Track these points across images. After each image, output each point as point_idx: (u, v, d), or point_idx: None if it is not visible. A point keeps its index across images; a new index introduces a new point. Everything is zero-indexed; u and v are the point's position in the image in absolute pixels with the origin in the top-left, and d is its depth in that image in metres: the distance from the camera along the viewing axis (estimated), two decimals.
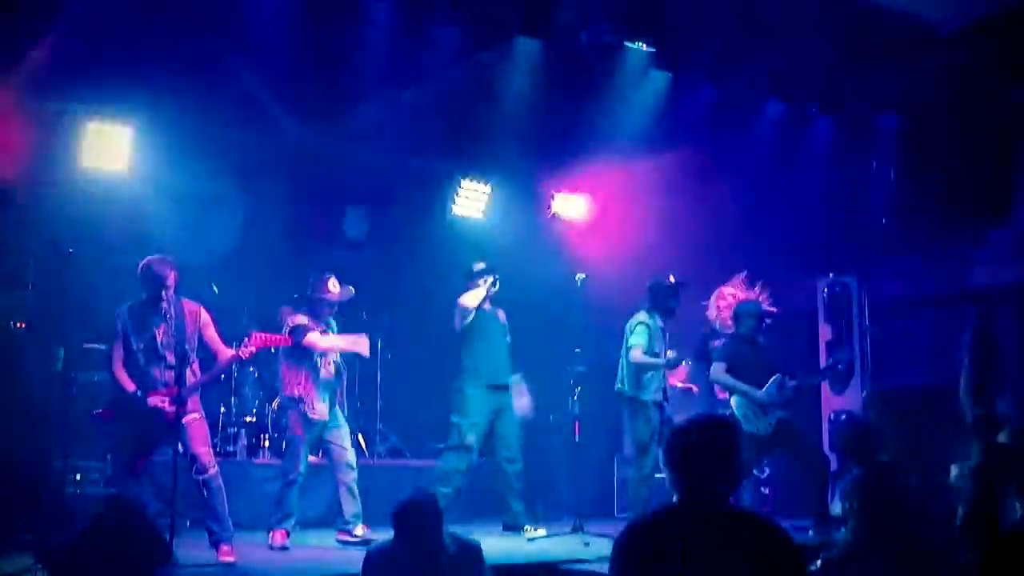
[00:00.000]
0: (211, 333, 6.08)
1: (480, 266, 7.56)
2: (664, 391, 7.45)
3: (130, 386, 5.82)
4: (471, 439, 7.31)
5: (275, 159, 9.36)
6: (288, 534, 6.66)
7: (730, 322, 7.73)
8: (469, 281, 7.54)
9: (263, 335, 6.34)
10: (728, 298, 7.90)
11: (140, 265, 5.91)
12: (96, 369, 7.60)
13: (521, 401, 7.53)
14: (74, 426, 6.77)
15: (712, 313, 7.98)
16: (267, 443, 8.56)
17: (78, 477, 7.18)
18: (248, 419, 8.61)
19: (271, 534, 6.62)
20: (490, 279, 7.50)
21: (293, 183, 9.73)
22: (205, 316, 6.08)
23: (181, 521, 6.24)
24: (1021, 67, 7.90)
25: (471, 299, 7.46)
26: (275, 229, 9.80)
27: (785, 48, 8.08)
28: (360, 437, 9.19)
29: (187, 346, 5.92)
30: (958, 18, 7.41)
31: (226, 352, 6.05)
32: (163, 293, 5.87)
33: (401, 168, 9.87)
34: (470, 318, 7.46)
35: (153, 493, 6.47)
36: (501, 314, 7.74)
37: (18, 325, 7.29)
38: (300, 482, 6.82)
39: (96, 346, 7.73)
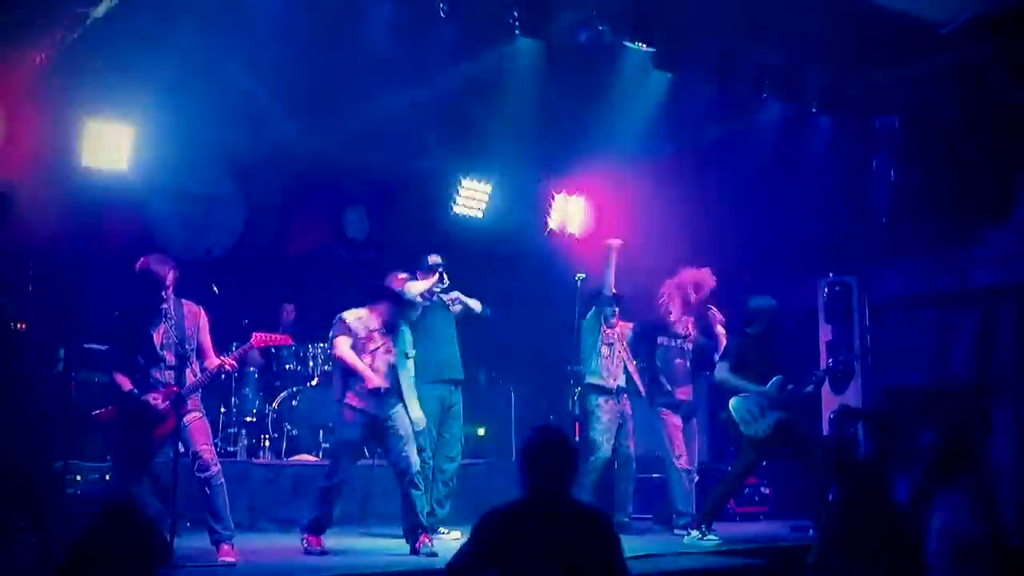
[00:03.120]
0: (205, 337, 6.04)
1: (435, 259, 7.35)
2: (618, 377, 7.62)
3: (127, 386, 5.81)
4: (421, 442, 7.05)
5: (275, 159, 9.37)
6: (320, 540, 6.39)
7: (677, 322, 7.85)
8: (420, 272, 7.33)
9: (263, 335, 6.33)
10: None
11: (138, 265, 5.89)
12: (96, 369, 7.60)
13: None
14: (74, 426, 6.78)
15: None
16: (267, 443, 8.56)
17: (78, 477, 7.18)
18: (248, 419, 8.61)
19: (304, 538, 6.40)
20: (436, 275, 7.25)
21: (293, 183, 9.74)
22: (204, 319, 6.05)
23: (181, 521, 6.24)
24: (1021, 67, 7.89)
25: (414, 288, 7.16)
26: (275, 229, 9.81)
27: (785, 48, 8.08)
28: None
29: (187, 347, 5.90)
30: (958, 18, 7.40)
31: (213, 360, 6.01)
32: (163, 293, 5.86)
33: (401, 168, 9.89)
34: (418, 311, 7.24)
35: (153, 493, 6.47)
36: (475, 304, 7.59)
37: (18, 325, 7.29)
38: (333, 486, 6.46)
39: (96, 346, 7.74)
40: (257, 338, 6.25)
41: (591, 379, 7.68)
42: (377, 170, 9.87)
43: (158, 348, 5.84)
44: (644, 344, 8.01)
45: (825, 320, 9.47)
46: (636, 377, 7.84)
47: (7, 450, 6.81)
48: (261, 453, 8.52)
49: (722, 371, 7.29)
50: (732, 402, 7.21)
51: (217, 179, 9.57)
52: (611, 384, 7.62)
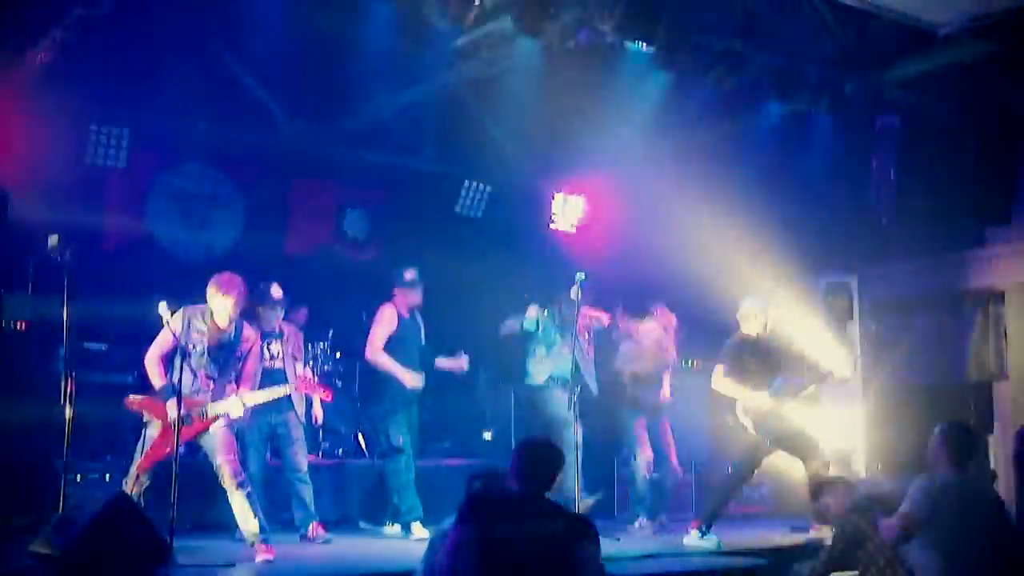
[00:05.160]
0: (252, 364, 6.26)
1: (411, 275, 7.63)
2: (568, 375, 7.52)
3: (161, 380, 5.89)
4: (400, 440, 7.35)
5: (275, 159, 9.37)
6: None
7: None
8: (400, 288, 7.61)
9: (308, 382, 6.87)
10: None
11: (210, 282, 6.03)
12: (96, 369, 7.60)
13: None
14: (74, 426, 6.77)
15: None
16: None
17: (78, 477, 7.18)
18: None
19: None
20: (419, 290, 7.64)
21: (293, 183, 9.74)
22: (257, 347, 6.29)
23: (181, 521, 6.24)
24: (1021, 67, 7.90)
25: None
26: (275, 229, 9.80)
27: (785, 48, 8.07)
28: (360, 437, 9.20)
29: (235, 366, 6.11)
30: (958, 18, 7.40)
31: (241, 387, 6.19)
32: (229, 312, 6.00)
33: (401, 168, 9.88)
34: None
35: (153, 493, 6.48)
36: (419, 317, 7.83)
37: (18, 325, 7.30)
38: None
39: (96, 346, 7.74)
40: (302, 384, 6.78)
41: (526, 381, 7.86)
42: (377, 170, 9.86)
43: (207, 355, 6.01)
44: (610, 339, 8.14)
45: (825, 320, 9.48)
46: (589, 374, 7.80)
47: (7, 450, 6.81)
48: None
49: (717, 376, 7.27)
50: (738, 403, 7.20)
51: (217, 179, 9.57)
52: (542, 380, 7.74)
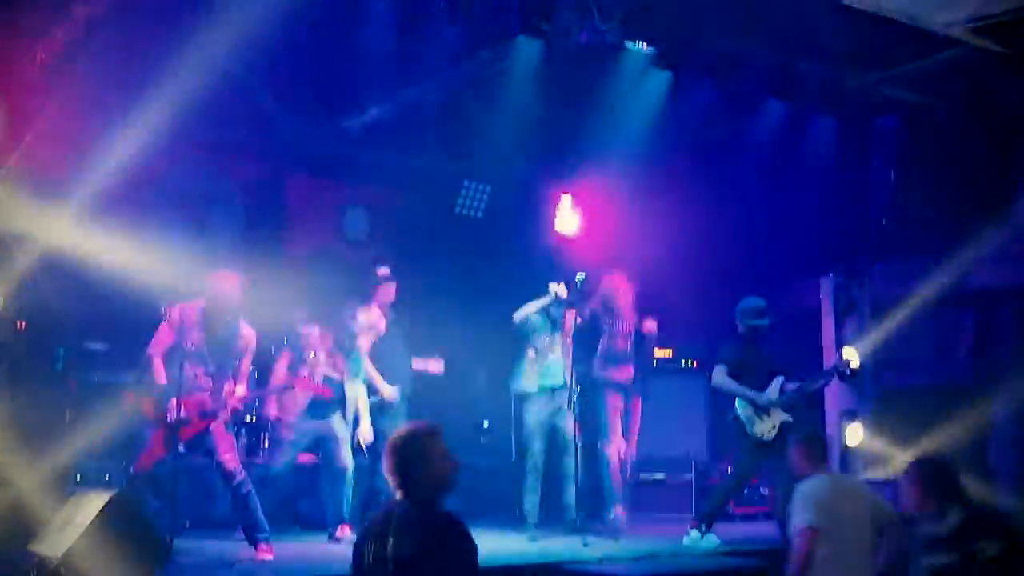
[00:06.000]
0: (247, 362, 6.29)
1: (385, 271, 7.75)
2: (556, 382, 7.57)
3: (162, 378, 5.91)
4: None
5: (275, 159, 9.38)
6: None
7: None
8: (378, 287, 7.69)
9: (307, 382, 6.79)
10: None
11: (208, 279, 6.08)
12: (96, 369, 7.60)
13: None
14: (74, 426, 6.78)
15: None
16: (267, 443, 8.56)
17: (78, 477, 7.18)
18: (249, 419, 8.61)
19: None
20: (393, 286, 7.73)
21: (293, 183, 9.74)
22: (253, 345, 6.29)
23: (181, 521, 6.25)
24: (1021, 67, 7.90)
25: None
26: (274, 229, 9.81)
27: (785, 48, 8.07)
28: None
29: (232, 363, 6.14)
30: (958, 18, 7.41)
31: (243, 390, 6.27)
32: (227, 310, 6.04)
33: (401, 168, 9.88)
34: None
35: (153, 493, 6.49)
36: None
37: (18, 325, 7.29)
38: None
39: (96, 346, 7.74)
40: (301, 383, 6.73)
41: (513, 385, 7.78)
42: (377, 170, 9.86)
43: (204, 353, 6.02)
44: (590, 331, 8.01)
45: (827, 321, 9.48)
46: (568, 373, 7.65)
47: (7, 450, 6.81)
48: (261, 453, 8.51)
49: (719, 375, 7.26)
50: (739, 402, 7.20)
51: (216, 179, 9.57)
52: (531, 388, 7.67)
